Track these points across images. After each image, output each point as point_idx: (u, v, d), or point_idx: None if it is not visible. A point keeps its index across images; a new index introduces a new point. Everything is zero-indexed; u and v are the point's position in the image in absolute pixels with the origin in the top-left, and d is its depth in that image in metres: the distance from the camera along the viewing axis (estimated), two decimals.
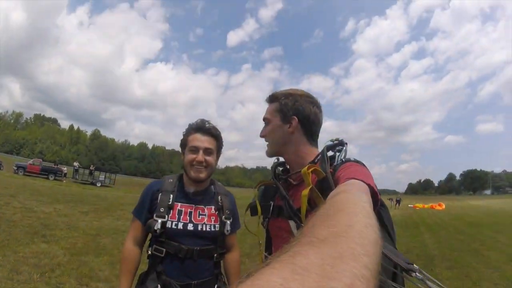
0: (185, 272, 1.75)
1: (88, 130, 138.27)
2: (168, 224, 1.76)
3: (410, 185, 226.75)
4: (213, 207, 1.91)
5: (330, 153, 1.27)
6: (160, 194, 1.83)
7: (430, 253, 9.00)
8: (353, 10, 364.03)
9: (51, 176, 26.80)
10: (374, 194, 0.89)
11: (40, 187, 17.52)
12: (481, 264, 7.53)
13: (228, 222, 1.91)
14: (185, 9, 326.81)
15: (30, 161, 28.17)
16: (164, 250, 1.74)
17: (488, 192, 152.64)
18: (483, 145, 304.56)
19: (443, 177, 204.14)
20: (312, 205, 1.07)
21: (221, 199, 1.95)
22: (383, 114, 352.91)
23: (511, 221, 17.91)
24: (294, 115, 1.33)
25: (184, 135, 1.92)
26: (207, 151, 1.85)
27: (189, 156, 1.82)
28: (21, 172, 25.50)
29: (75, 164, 35.59)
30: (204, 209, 1.87)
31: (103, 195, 19.01)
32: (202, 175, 1.84)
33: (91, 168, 33.08)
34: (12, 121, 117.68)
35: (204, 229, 1.82)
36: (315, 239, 0.40)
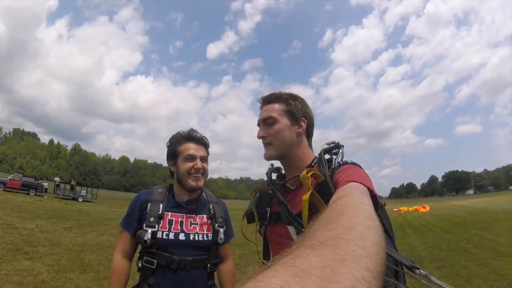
0: (178, 284, 1.70)
1: (68, 145, 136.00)
2: (159, 234, 1.70)
3: (393, 189, 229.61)
4: (205, 215, 1.87)
5: (326, 156, 1.27)
6: (150, 204, 1.78)
7: (418, 254, 9.06)
8: (331, 20, 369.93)
9: (32, 192, 26.00)
10: (373, 197, 0.89)
11: (21, 203, 17.03)
12: (470, 262, 7.61)
13: (221, 230, 1.87)
14: (165, 22, 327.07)
15: (10, 177, 27.41)
16: (156, 261, 1.69)
17: (470, 192, 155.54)
18: (463, 146, 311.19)
19: (425, 180, 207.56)
20: (313, 210, 1.05)
21: (212, 207, 1.91)
22: (363, 121, 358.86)
23: (495, 218, 18.26)
24: (303, 117, 1.32)
25: (171, 145, 1.88)
26: (203, 159, 1.84)
27: (187, 165, 1.79)
28: (1, 187, 24.74)
29: (56, 179, 34.90)
30: (196, 218, 1.83)
31: (85, 211, 18.57)
32: (201, 183, 1.83)
33: (72, 183, 32.43)
34: None
35: (196, 238, 1.77)
36: (316, 242, 0.40)
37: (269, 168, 1.45)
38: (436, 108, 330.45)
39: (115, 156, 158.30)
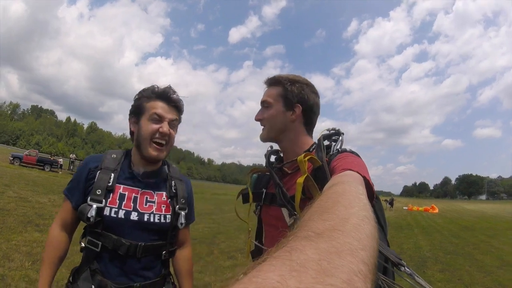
0: (125, 272, 1.39)
1: (85, 123, 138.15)
2: (106, 211, 1.37)
3: (405, 187, 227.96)
4: (164, 193, 1.54)
5: (326, 143, 1.27)
6: (99, 172, 1.43)
7: (423, 255, 9.04)
8: (357, 10, 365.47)
9: (47, 167, 26.65)
10: (369, 187, 0.88)
11: (36, 178, 17.47)
12: (473, 268, 7.56)
13: (183, 213, 1.55)
14: (187, 4, 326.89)
15: (26, 152, 27.96)
16: (100, 244, 1.37)
17: (483, 197, 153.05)
18: (480, 150, 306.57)
19: (438, 180, 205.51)
20: (306, 194, 1.05)
21: (175, 185, 1.58)
22: (382, 116, 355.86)
23: (506, 226, 18.01)
24: (298, 103, 1.30)
25: (138, 99, 1.52)
26: (172, 124, 1.50)
27: (151, 126, 1.44)
28: (17, 162, 25.26)
29: (72, 156, 35.52)
30: (153, 195, 1.50)
31: None
32: (162, 154, 1.50)
33: None
34: (9, 112, 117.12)
35: (151, 220, 1.45)
36: (311, 233, 0.39)
37: (268, 150, 1.44)
38: (457, 108, 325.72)
39: None
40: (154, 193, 1.51)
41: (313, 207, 0.51)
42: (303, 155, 1.09)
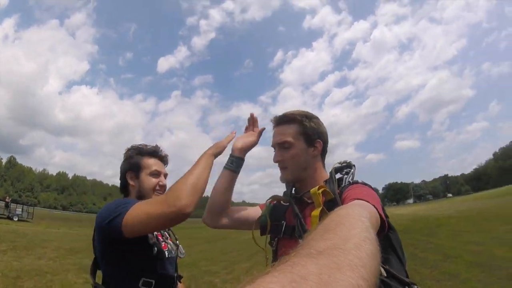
0: None
1: (4, 157, 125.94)
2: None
3: None
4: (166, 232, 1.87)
5: (338, 175, 1.31)
6: None
7: None
8: (282, 42, 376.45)
9: None
10: (379, 216, 0.92)
11: None
12: (419, 266, 7.86)
13: (180, 245, 1.86)
14: (117, 32, 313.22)
15: None
16: (153, 281, 1.51)
17: (410, 201, 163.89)
18: (402, 160, 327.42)
19: None
20: None
21: None
22: None
23: (437, 223, 19.28)
24: (319, 138, 1.34)
25: (132, 157, 1.80)
26: (165, 176, 1.85)
27: (152, 181, 1.75)
28: None
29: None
30: (165, 234, 1.83)
31: (21, 231, 17.25)
32: None
33: (7, 200, 29.85)
34: None
35: (172, 254, 1.73)
36: (313, 250, 0.41)
37: None
38: (377, 125, 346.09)
39: (54, 171, 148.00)
40: (164, 231, 1.84)
41: (316, 229, 0.53)
42: (316, 187, 1.12)
